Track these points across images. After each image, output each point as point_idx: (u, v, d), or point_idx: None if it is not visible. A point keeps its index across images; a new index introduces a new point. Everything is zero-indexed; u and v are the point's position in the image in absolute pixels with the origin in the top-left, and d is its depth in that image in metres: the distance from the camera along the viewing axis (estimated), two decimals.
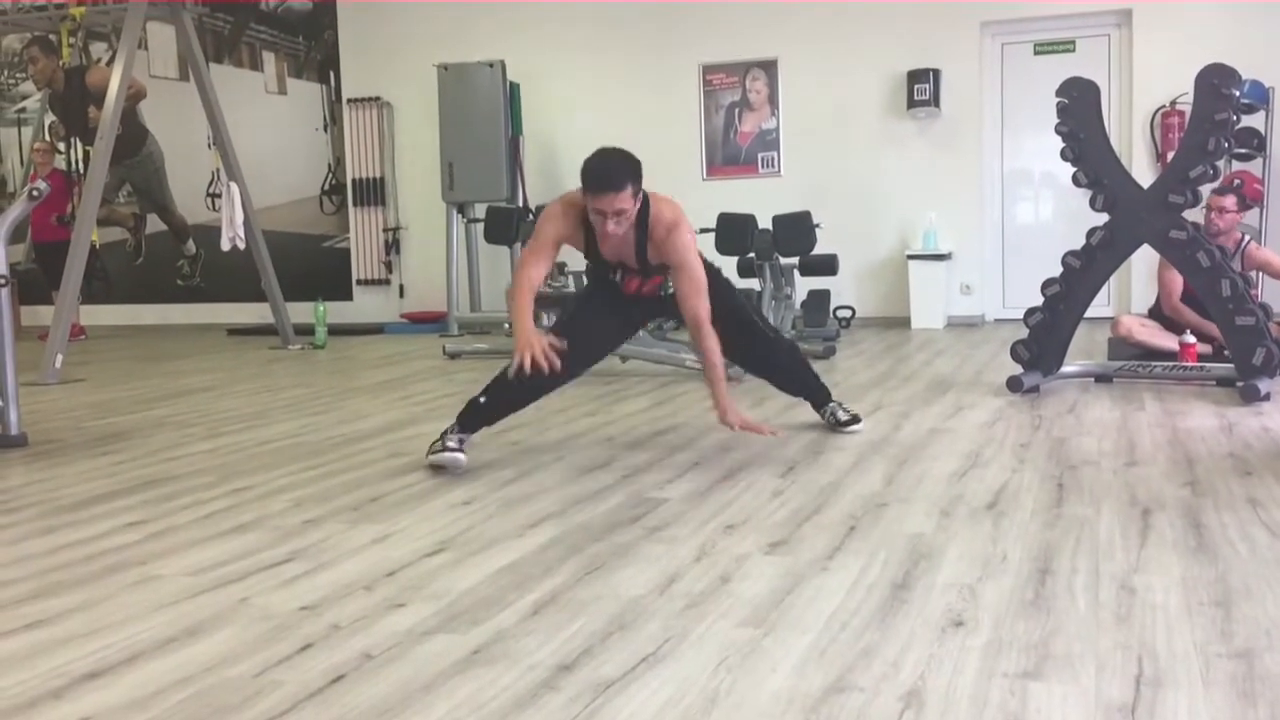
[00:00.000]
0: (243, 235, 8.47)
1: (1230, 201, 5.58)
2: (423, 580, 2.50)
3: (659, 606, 2.26)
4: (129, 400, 5.81)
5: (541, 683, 1.89)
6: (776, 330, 4.62)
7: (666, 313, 4.25)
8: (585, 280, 4.17)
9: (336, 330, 9.21)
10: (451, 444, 3.68)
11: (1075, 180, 5.00)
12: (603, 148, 3.61)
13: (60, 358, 6.76)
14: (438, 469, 3.66)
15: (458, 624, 2.20)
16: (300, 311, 9.00)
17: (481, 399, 3.73)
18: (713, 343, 3.68)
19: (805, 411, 4.38)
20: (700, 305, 3.66)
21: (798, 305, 7.71)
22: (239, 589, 2.47)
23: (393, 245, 10.30)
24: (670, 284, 3.83)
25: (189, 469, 3.89)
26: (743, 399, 4.68)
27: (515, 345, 3.51)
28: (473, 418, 3.74)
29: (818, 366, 6.25)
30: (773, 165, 9.28)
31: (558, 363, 3.49)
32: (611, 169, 3.50)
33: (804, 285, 7.88)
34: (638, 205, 3.59)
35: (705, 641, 2.06)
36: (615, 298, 3.92)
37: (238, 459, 4.05)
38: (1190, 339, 5.35)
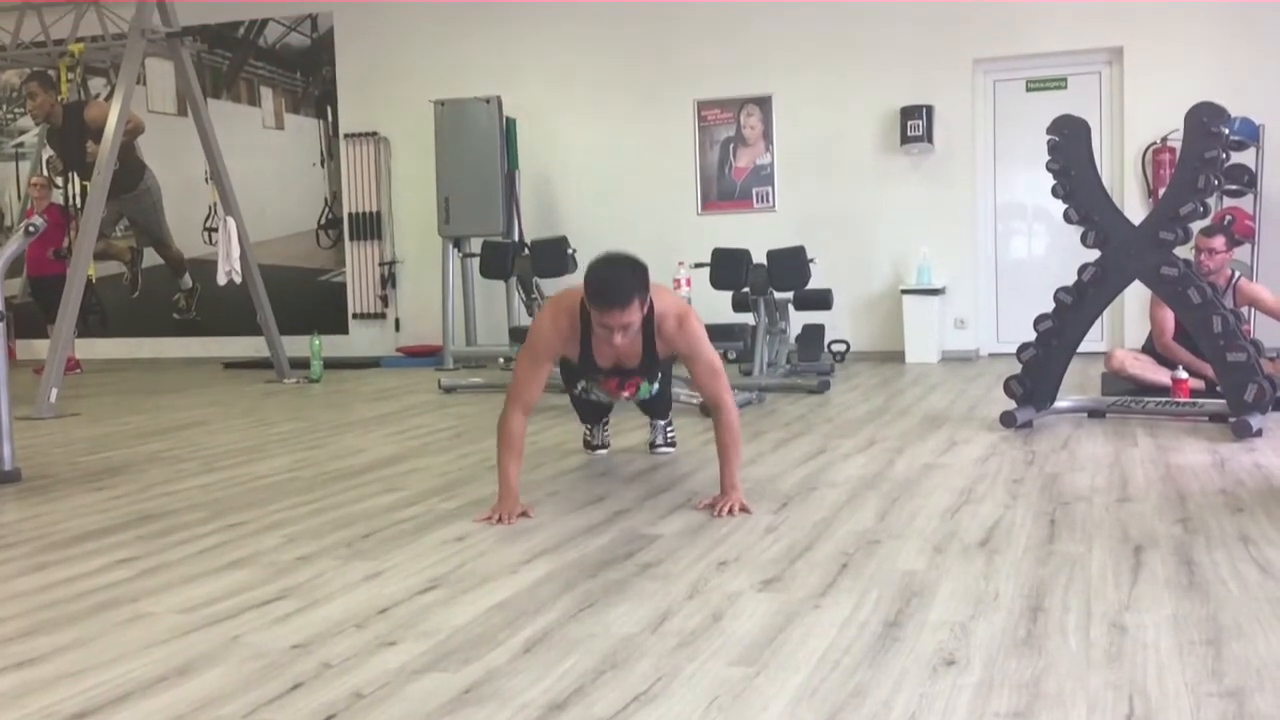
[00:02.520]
0: (239, 269, 8.49)
1: (1219, 242, 5.61)
2: (415, 618, 2.49)
3: (651, 644, 2.26)
4: (124, 435, 5.80)
5: None
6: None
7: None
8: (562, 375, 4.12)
9: (332, 364, 9.22)
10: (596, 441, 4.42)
11: (1067, 217, 5.03)
12: (609, 257, 3.44)
13: (55, 392, 6.75)
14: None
15: (449, 662, 2.20)
16: (296, 345, 9.01)
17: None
18: (732, 416, 3.58)
19: (800, 447, 4.38)
20: (722, 390, 3.59)
21: (792, 340, 7.73)
22: (231, 627, 2.47)
23: (389, 279, 10.32)
24: (653, 385, 3.88)
25: (182, 504, 3.88)
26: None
27: (497, 501, 3.51)
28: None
29: (813, 400, 6.29)
30: (767, 200, 9.32)
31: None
32: (620, 283, 3.33)
33: (798, 320, 7.90)
34: (645, 313, 3.47)
35: (697, 680, 2.06)
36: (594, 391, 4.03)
37: (231, 494, 4.05)
38: (1183, 374, 5.37)
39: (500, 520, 3.41)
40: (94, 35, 8.49)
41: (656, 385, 4.03)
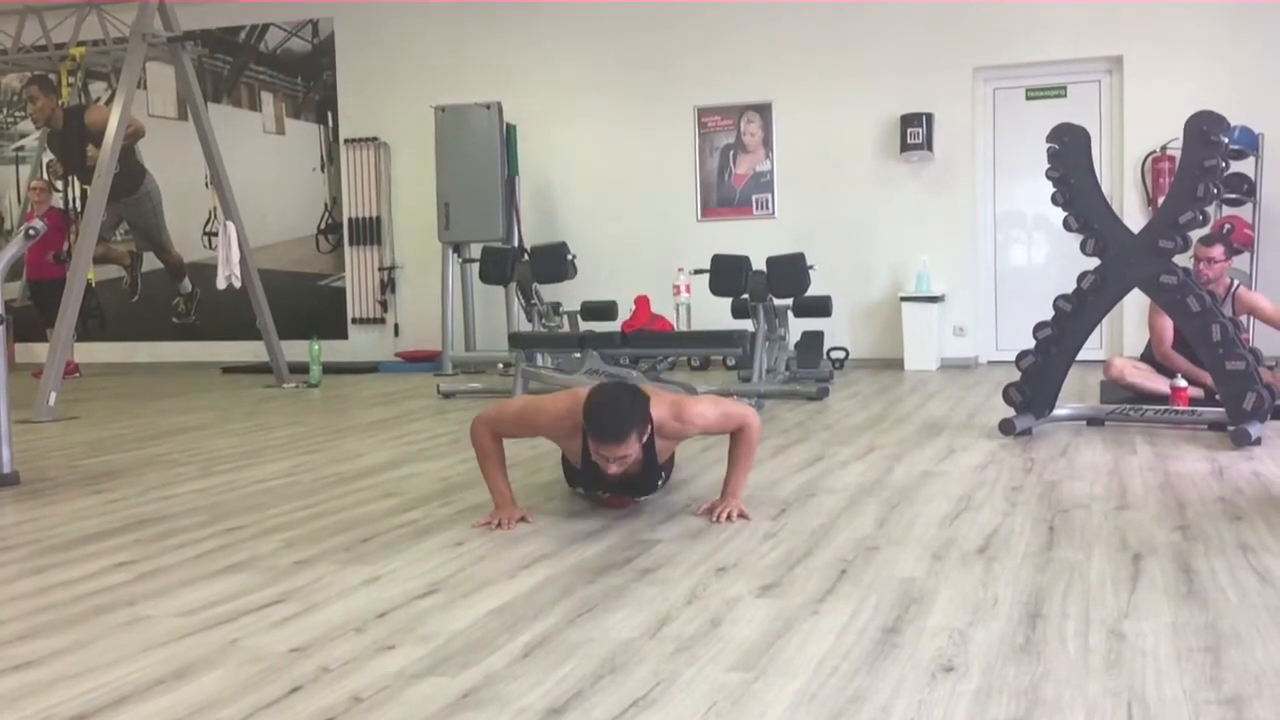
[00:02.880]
0: (239, 274, 8.49)
1: (1217, 251, 5.61)
2: (413, 622, 2.49)
3: (650, 649, 2.26)
4: (122, 438, 5.80)
5: None
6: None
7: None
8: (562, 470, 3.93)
9: (331, 369, 9.22)
10: None
11: (1066, 225, 5.04)
12: (609, 389, 3.36)
13: (54, 395, 6.75)
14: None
15: (448, 666, 2.20)
16: (295, 350, 9.01)
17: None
18: (754, 435, 3.55)
19: (799, 454, 4.38)
20: (736, 417, 3.54)
21: (791, 346, 7.73)
22: (229, 630, 2.47)
23: (388, 284, 10.33)
24: (654, 492, 3.71)
25: (181, 508, 3.88)
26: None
27: (494, 509, 3.50)
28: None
29: (812, 407, 6.29)
30: (767, 207, 9.33)
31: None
32: (619, 419, 3.23)
33: (798, 326, 7.90)
34: (644, 441, 3.35)
35: (695, 685, 2.06)
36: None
37: (230, 498, 4.05)
38: (1181, 383, 5.37)
39: (500, 526, 3.41)
40: (95, 39, 8.50)
41: (660, 484, 3.80)
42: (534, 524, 3.46)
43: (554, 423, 3.47)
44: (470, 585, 2.78)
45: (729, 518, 3.44)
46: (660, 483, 3.67)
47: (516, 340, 6.98)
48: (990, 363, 8.89)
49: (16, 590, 2.87)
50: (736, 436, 3.56)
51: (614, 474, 3.32)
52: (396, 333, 10.32)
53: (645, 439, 3.31)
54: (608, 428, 3.22)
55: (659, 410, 3.40)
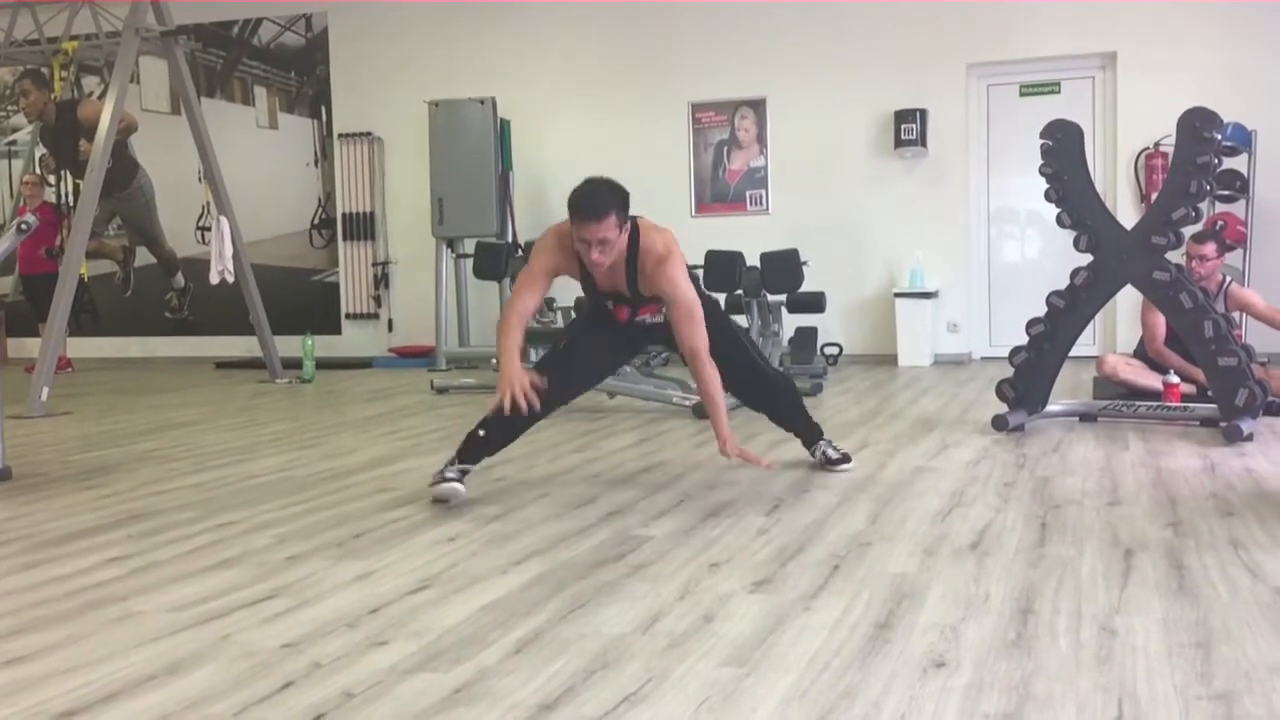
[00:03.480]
0: (232, 269, 8.48)
1: (1209, 249, 5.62)
2: (405, 618, 2.49)
3: (642, 645, 2.26)
4: (115, 434, 5.79)
5: None
6: (776, 368, 4.60)
7: (662, 340, 4.08)
8: (574, 313, 4.18)
9: (324, 364, 9.20)
10: (451, 475, 3.68)
11: (1059, 221, 5.04)
12: (590, 177, 3.62)
13: (46, 390, 6.74)
14: (439, 501, 3.66)
15: (440, 662, 2.20)
16: (288, 345, 8.99)
17: (480, 432, 3.75)
18: (711, 371, 3.67)
19: (792, 448, 4.39)
20: (694, 335, 3.64)
21: (785, 342, 7.73)
22: (221, 625, 2.47)
23: (382, 280, 10.32)
24: (661, 313, 3.85)
25: (173, 504, 3.88)
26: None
27: (499, 381, 3.54)
28: (473, 449, 3.75)
29: (805, 403, 6.28)
30: (761, 203, 9.34)
31: (536, 403, 3.52)
32: (596, 197, 3.51)
33: (791, 322, 7.91)
34: (624, 234, 3.58)
35: (687, 681, 2.06)
36: (609, 327, 3.94)
37: (223, 494, 4.04)
38: (1174, 379, 5.38)
39: (511, 394, 3.45)
40: (88, 33, 8.47)
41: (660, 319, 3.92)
42: (542, 384, 3.56)
43: (554, 252, 3.68)
44: (462, 581, 2.78)
45: (742, 456, 3.69)
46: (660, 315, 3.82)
47: None
48: (983, 359, 8.90)
49: (9, 585, 2.86)
50: (693, 369, 3.70)
51: (596, 260, 3.52)
52: (390, 328, 10.31)
53: (626, 229, 3.55)
54: (585, 205, 3.47)
55: (650, 239, 3.64)
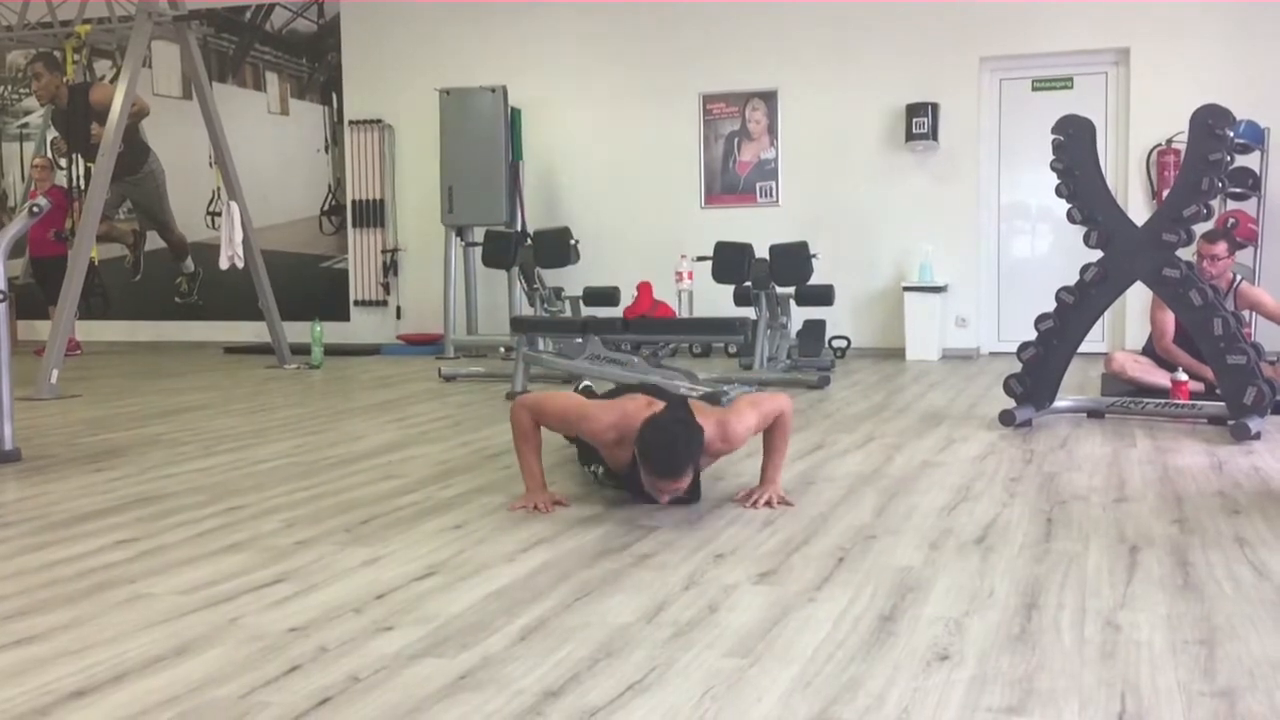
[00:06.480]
0: (241, 254, 8.50)
1: (1221, 248, 5.61)
2: (412, 604, 2.50)
3: (646, 634, 2.27)
4: (124, 417, 5.81)
5: (527, 709, 1.90)
6: None
7: None
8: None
9: (333, 350, 9.22)
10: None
11: (1070, 217, 5.03)
12: (667, 424, 3.22)
13: (56, 373, 6.76)
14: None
15: (445, 648, 2.21)
16: (297, 331, 9.02)
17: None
18: (789, 420, 3.55)
19: (799, 442, 4.39)
20: (771, 411, 3.52)
21: (793, 335, 7.74)
22: (228, 609, 2.48)
23: (391, 267, 10.33)
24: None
25: (182, 487, 3.89)
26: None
27: (525, 495, 3.50)
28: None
29: (813, 396, 6.30)
30: (771, 195, 9.33)
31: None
32: (678, 460, 3.19)
33: (800, 315, 7.90)
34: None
35: (691, 670, 2.07)
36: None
37: (231, 478, 4.06)
38: (1182, 376, 5.37)
39: (536, 509, 3.40)
40: (100, 17, 8.49)
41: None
42: (569, 506, 3.47)
43: (599, 432, 3.43)
44: (469, 568, 2.79)
45: (769, 504, 3.44)
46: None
47: (518, 324, 6.99)
48: (992, 354, 8.90)
49: (17, 566, 2.88)
50: (773, 424, 3.56)
51: (666, 502, 3.35)
52: (398, 315, 10.33)
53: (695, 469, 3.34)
54: (667, 467, 3.19)
55: (706, 431, 3.33)
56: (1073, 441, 4.64)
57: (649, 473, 3.23)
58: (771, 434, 3.56)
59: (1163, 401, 5.27)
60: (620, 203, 9.48)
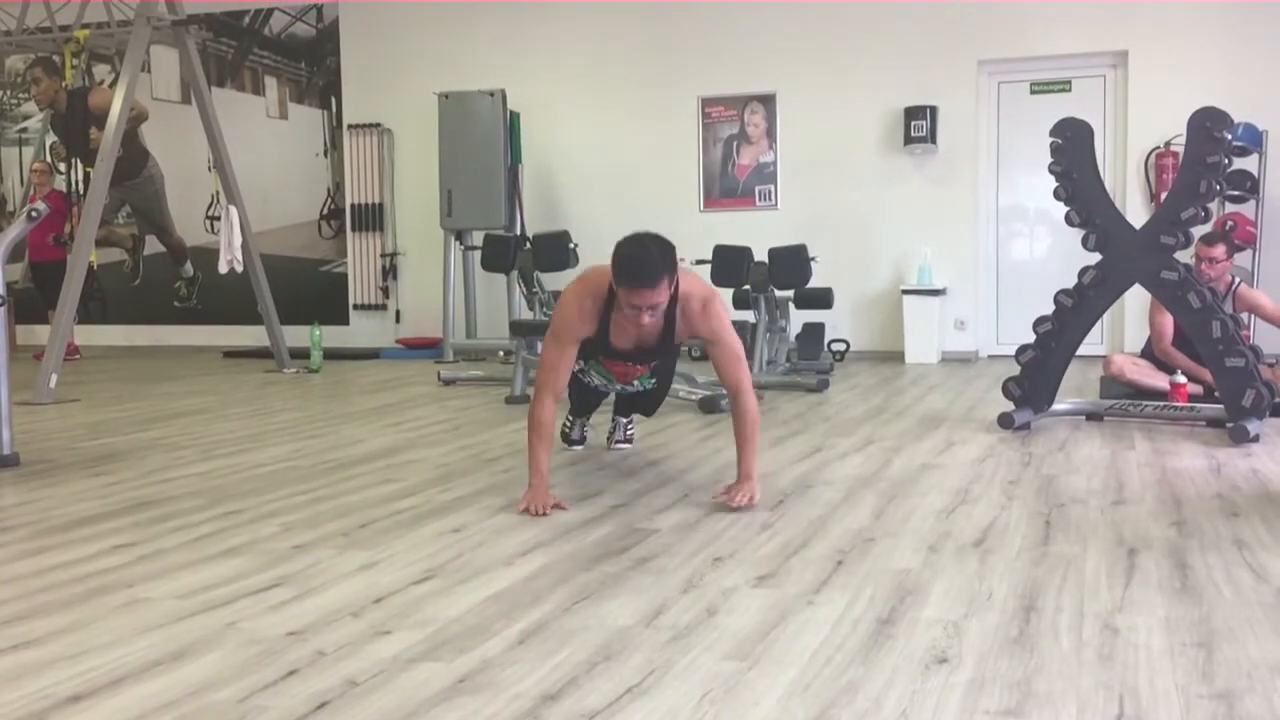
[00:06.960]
0: (240, 258, 8.50)
1: (1219, 251, 5.61)
2: (410, 608, 2.50)
3: (645, 638, 2.27)
4: (123, 421, 5.81)
5: (526, 713, 1.90)
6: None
7: (641, 408, 4.49)
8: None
9: (332, 354, 9.23)
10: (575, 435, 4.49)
11: (1068, 220, 5.04)
12: (637, 236, 3.43)
13: (55, 377, 6.76)
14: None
15: (443, 652, 2.20)
16: (296, 335, 9.02)
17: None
18: (753, 404, 3.57)
19: (797, 445, 4.39)
20: (742, 374, 3.59)
21: (792, 338, 7.73)
22: (226, 613, 2.48)
23: (390, 271, 10.33)
24: (652, 379, 3.99)
25: (180, 491, 3.89)
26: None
27: (527, 492, 3.50)
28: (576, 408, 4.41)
29: (812, 399, 6.30)
30: (770, 198, 9.33)
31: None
32: (650, 263, 3.33)
33: (799, 318, 7.90)
34: (671, 293, 3.48)
35: (690, 674, 2.07)
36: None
37: (230, 482, 4.06)
38: (1181, 379, 5.38)
39: (533, 513, 3.39)
40: (99, 21, 8.49)
41: (653, 381, 4.04)
42: (569, 510, 3.46)
43: (577, 319, 3.59)
44: (467, 572, 2.79)
45: (749, 501, 3.40)
46: (654, 376, 3.98)
47: (517, 328, 6.98)
48: (990, 357, 8.90)
49: (15, 571, 2.88)
50: (738, 406, 3.56)
51: (647, 324, 3.46)
52: (398, 319, 10.32)
53: (672, 290, 3.44)
54: (640, 271, 3.33)
55: (689, 284, 3.56)
56: (1071, 444, 4.64)
57: (623, 284, 3.36)
58: (742, 423, 3.54)
59: (1161, 404, 5.27)
60: (619, 206, 9.47)
